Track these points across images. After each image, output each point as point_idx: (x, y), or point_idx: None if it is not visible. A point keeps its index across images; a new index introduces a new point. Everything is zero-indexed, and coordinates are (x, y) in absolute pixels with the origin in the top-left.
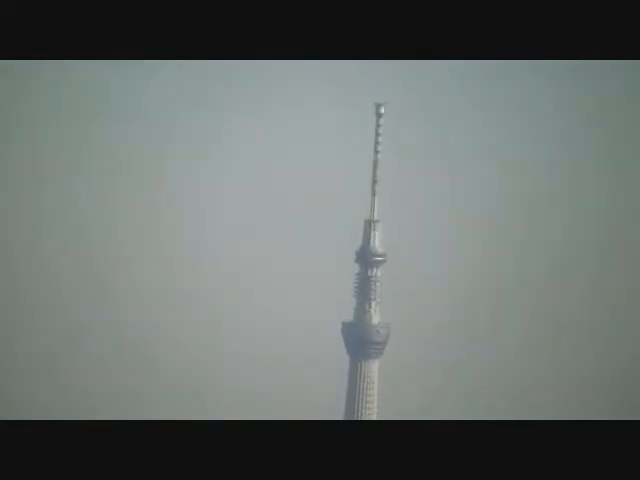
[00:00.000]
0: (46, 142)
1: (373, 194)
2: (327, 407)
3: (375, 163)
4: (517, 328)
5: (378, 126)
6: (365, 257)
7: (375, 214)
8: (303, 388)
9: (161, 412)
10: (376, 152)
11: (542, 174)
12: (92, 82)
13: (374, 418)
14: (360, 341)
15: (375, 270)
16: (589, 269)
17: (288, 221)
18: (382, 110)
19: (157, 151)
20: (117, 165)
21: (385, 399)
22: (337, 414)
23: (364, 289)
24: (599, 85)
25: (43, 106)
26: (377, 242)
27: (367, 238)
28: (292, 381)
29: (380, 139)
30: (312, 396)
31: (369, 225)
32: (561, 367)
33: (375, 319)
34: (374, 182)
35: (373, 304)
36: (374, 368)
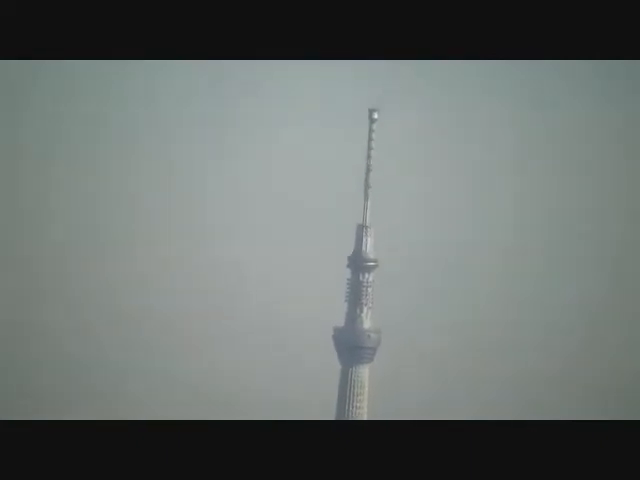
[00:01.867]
0: (46, 142)
1: (366, 199)
2: (317, 411)
3: (368, 168)
4: (511, 331)
5: (371, 131)
6: (357, 262)
7: (367, 219)
8: (294, 392)
9: (149, 412)
10: (369, 157)
11: (538, 176)
12: (92, 82)
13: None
14: (351, 346)
15: (367, 275)
16: (580, 270)
17: (280, 226)
18: (375, 115)
19: (147, 150)
20: (117, 165)
21: (375, 405)
22: (327, 418)
23: (356, 294)
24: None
25: (43, 106)
26: (369, 247)
27: (359, 243)
28: (283, 385)
29: (373, 144)
30: (302, 400)
31: (361, 230)
32: (560, 368)
33: (366, 324)
34: (367, 187)
35: (365, 309)
36: (365, 373)
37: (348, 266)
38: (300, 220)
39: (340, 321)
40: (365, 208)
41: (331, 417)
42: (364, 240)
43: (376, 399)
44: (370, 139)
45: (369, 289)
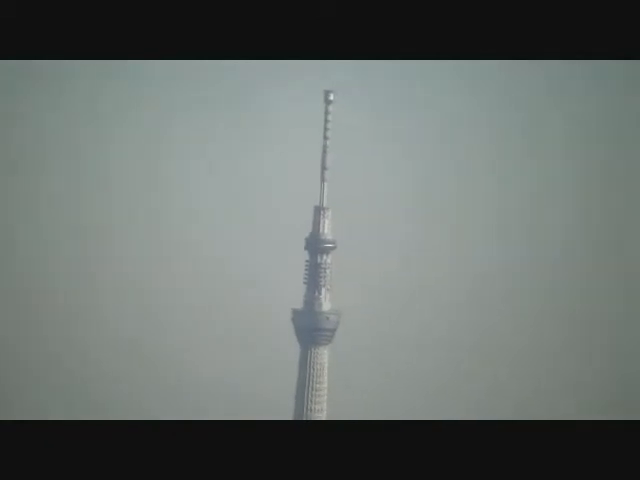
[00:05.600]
0: (44, 143)
1: (322, 181)
2: (277, 393)
3: (324, 150)
4: (469, 312)
5: (327, 113)
6: (315, 244)
7: (325, 201)
8: (253, 374)
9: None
10: (325, 139)
11: (491, 152)
12: (91, 82)
13: (324, 405)
14: (310, 328)
15: (325, 257)
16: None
17: (237, 208)
18: (331, 97)
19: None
20: (113, 165)
21: (335, 386)
22: (287, 400)
23: (314, 276)
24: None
25: (42, 106)
26: (327, 229)
27: (317, 225)
28: (243, 368)
29: (329, 126)
30: (263, 382)
31: (318, 212)
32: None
33: (325, 306)
34: (323, 169)
35: (323, 291)
36: (324, 355)
37: (306, 248)
38: (257, 202)
39: (299, 303)
40: (322, 190)
41: (291, 400)
42: (321, 222)
43: (336, 380)
44: (326, 120)
45: (327, 271)
